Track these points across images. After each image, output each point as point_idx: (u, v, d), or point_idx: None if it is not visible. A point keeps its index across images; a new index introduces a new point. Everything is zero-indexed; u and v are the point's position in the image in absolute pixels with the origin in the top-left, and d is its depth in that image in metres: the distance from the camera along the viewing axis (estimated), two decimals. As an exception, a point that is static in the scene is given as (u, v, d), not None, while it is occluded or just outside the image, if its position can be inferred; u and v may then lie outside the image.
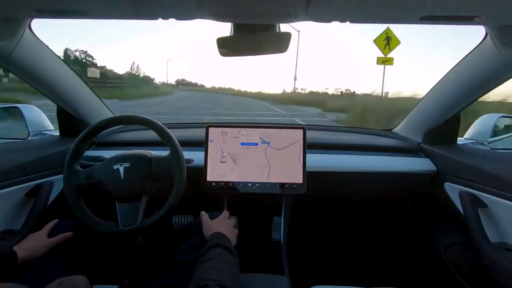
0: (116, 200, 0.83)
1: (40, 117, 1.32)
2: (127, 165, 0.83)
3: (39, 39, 0.86)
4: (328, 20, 0.65)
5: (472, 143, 1.25)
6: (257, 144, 1.00)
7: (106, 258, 0.95)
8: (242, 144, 1.00)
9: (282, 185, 0.98)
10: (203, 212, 0.83)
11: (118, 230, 0.80)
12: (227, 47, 0.80)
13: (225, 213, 0.84)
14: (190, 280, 0.57)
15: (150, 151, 0.89)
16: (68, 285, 0.41)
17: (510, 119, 1.39)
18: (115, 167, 0.83)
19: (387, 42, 7.12)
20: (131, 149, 0.93)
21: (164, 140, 0.85)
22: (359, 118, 7.75)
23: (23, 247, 0.70)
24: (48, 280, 0.50)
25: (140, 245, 1.12)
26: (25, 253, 0.69)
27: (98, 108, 1.21)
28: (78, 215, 0.81)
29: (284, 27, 0.74)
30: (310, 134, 1.05)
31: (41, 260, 0.71)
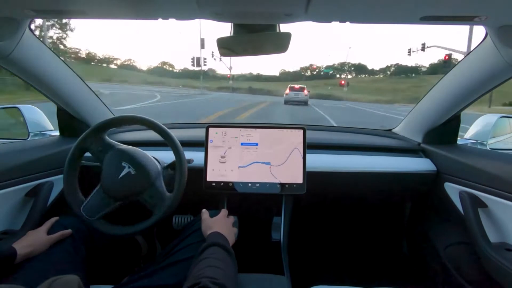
0: (100, 184, 0.83)
1: (40, 117, 1.32)
2: (132, 171, 0.81)
3: (39, 39, 0.86)
4: (328, 20, 0.64)
5: (472, 143, 1.25)
6: (257, 144, 1.00)
7: (106, 257, 0.95)
8: (242, 144, 1.00)
9: (282, 185, 0.98)
10: (204, 210, 0.83)
11: (74, 210, 0.81)
12: (227, 47, 0.80)
13: (224, 211, 0.84)
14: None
15: (160, 173, 0.86)
16: (60, 284, 0.41)
17: (510, 119, 1.39)
18: (122, 164, 0.82)
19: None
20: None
21: (167, 141, 0.85)
22: None
23: (23, 244, 0.70)
24: (46, 278, 0.50)
25: (139, 245, 1.12)
26: (25, 250, 0.69)
27: (98, 108, 1.21)
28: (65, 184, 0.82)
29: (284, 27, 0.74)
30: (310, 134, 1.05)
31: (40, 257, 0.71)
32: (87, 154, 0.87)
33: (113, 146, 0.86)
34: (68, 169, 0.83)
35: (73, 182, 0.84)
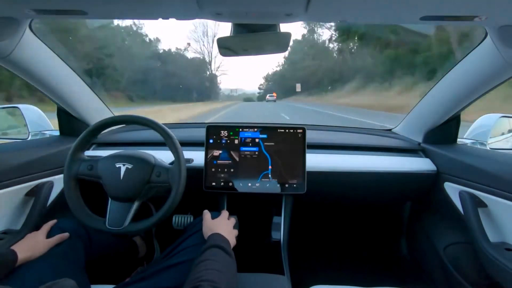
0: (109, 197, 0.83)
1: (40, 117, 1.32)
2: (129, 166, 0.83)
3: (39, 39, 0.86)
4: (328, 20, 0.65)
5: (472, 143, 1.25)
6: (257, 149, 1.00)
7: (105, 258, 0.95)
8: (241, 149, 1.00)
9: (282, 185, 0.98)
10: (206, 211, 0.83)
11: (103, 229, 0.80)
12: (227, 47, 0.80)
13: (225, 213, 0.84)
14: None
15: (154, 156, 0.89)
16: None
17: (510, 119, 1.39)
18: (117, 166, 0.83)
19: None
20: (131, 149, 0.92)
21: (166, 141, 0.85)
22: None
23: (23, 248, 0.70)
24: (44, 282, 0.50)
25: (137, 246, 1.12)
26: (24, 254, 0.68)
27: (98, 108, 1.21)
28: (70, 204, 0.82)
29: (284, 27, 0.74)
30: (310, 134, 1.05)
31: (39, 260, 0.71)
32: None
33: (96, 159, 0.87)
34: (71, 203, 0.82)
35: (82, 208, 0.83)
